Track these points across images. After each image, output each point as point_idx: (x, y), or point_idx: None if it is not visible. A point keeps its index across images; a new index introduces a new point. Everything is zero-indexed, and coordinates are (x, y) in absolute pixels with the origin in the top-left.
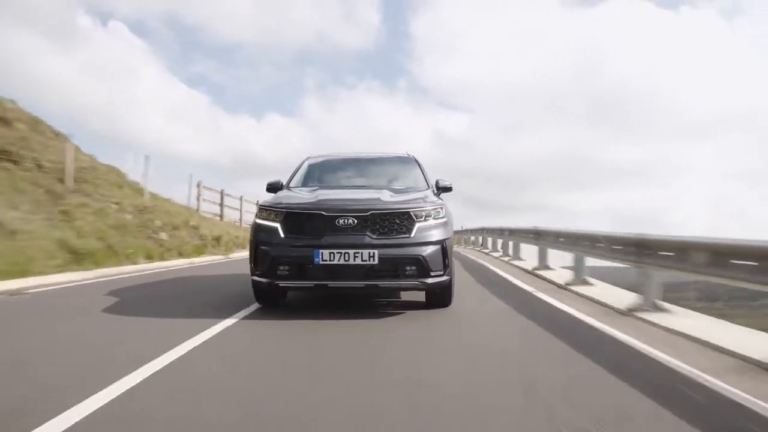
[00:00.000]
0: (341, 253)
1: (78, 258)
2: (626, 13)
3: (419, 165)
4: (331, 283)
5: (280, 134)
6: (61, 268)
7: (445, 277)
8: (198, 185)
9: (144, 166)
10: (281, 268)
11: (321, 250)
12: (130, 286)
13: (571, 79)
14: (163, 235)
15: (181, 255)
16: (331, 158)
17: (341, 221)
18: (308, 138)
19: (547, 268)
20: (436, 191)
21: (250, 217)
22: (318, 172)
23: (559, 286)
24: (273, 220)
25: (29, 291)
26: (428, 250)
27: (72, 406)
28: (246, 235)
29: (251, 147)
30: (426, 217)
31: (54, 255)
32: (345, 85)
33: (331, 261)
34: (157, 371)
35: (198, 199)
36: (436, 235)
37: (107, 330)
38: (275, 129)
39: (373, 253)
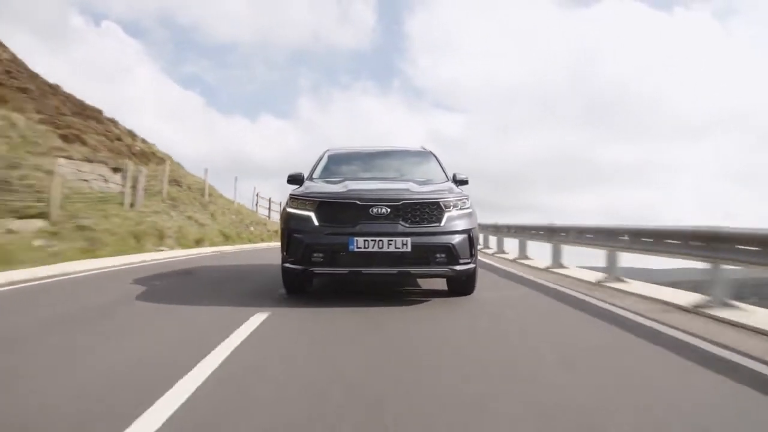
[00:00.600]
0: (375, 240)
1: (227, 239)
2: (621, 14)
3: (436, 158)
4: (365, 270)
5: (275, 135)
6: (224, 244)
7: (471, 265)
8: (256, 195)
9: (234, 184)
10: (315, 255)
11: (356, 238)
12: (261, 249)
13: (567, 80)
14: (252, 229)
15: (262, 240)
16: (351, 151)
17: (375, 210)
18: (304, 139)
19: None
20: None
21: None
22: (339, 164)
23: None
24: (306, 209)
25: (226, 252)
26: (457, 239)
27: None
28: None
29: (246, 147)
30: (453, 207)
31: (218, 236)
32: (340, 86)
33: (365, 248)
34: None
35: (256, 205)
36: (464, 224)
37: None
38: (270, 130)
39: (406, 240)
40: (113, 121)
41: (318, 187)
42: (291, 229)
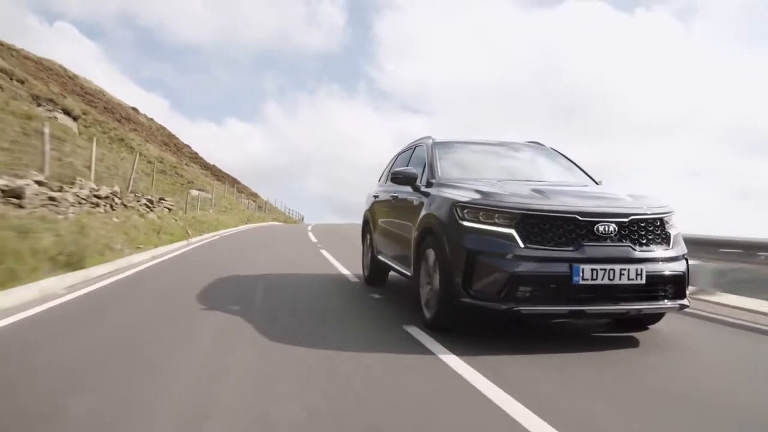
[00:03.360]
0: (605, 269)
1: (285, 221)
2: (584, 15)
3: (565, 156)
4: (589, 309)
5: (241, 138)
6: (285, 222)
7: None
8: (282, 204)
9: (297, 210)
10: (523, 288)
11: (581, 266)
12: (303, 225)
13: (530, 81)
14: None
15: (294, 222)
16: (467, 145)
17: (602, 228)
18: (270, 142)
19: None
20: None
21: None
22: (461, 162)
23: None
24: (501, 225)
25: (309, 223)
26: (684, 265)
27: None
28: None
29: (211, 152)
30: (670, 224)
31: (280, 220)
32: (307, 89)
33: (593, 280)
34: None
35: (284, 207)
36: (682, 246)
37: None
38: (235, 133)
39: (641, 269)
40: (237, 181)
41: (489, 192)
42: (476, 251)
